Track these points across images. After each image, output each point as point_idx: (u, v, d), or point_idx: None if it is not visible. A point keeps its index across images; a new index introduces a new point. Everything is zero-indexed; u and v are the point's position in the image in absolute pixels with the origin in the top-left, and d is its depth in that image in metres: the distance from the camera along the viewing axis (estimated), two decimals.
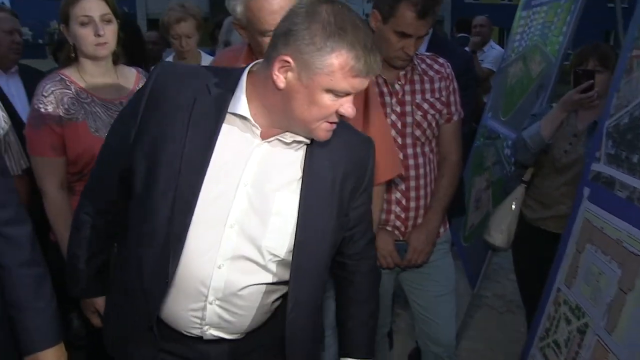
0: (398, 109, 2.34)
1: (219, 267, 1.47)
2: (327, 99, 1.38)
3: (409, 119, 2.34)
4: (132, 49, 2.68)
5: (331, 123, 1.43)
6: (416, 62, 2.35)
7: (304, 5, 1.38)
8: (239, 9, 1.82)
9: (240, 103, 1.45)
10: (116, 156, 1.54)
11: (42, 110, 2.12)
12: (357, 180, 1.60)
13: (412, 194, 2.39)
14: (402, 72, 2.34)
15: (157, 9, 20.69)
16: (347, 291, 1.75)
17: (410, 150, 2.36)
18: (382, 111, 2.17)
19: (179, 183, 1.42)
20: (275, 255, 1.50)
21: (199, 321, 1.54)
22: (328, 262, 1.61)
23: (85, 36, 2.15)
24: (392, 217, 2.40)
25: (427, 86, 2.36)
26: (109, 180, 1.59)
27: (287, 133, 1.48)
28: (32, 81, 2.31)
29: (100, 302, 1.79)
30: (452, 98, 2.41)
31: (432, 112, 2.36)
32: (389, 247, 2.38)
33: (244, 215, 1.47)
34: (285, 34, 1.37)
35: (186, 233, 1.43)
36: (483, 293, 4.33)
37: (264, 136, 1.48)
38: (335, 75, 1.34)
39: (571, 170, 2.64)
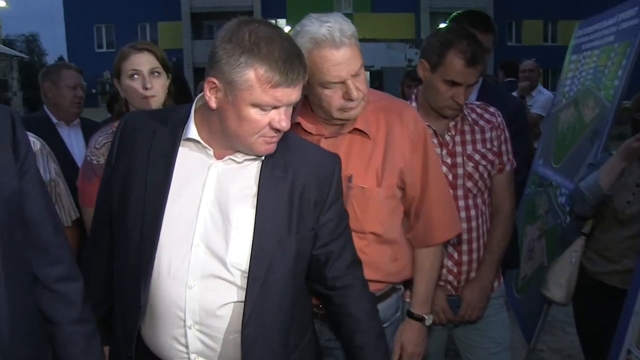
0: (449, 161, 2.28)
1: (190, 288, 1.53)
2: (254, 113, 1.47)
3: (460, 171, 2.28)
4: (179, 102, 2.73)
5: (269, 137, 1.51)
6: (466, 112, 2.30)
7: (225, 28, 1.49)
8: None
9: (190, 128, 1.57)
10: (102, 201, 1.68)
11: (94, 162, 2.17)
12: (319, 194, 1.64)
13: (465, 247, 2.31)
14: (452, 123, 2.29)
15: (203, 58, 21.40)
16: (345, 324, 1.74)
17: (461, 203, 2.28)
18: (441, 169, 2.12)
19: (145, 208, 1.54)
20: (241, 270, 1.54)
21: (184, 349, 1.57)
22: (295, 280, 1.63)
23: (134, 89, 2.21)
24: (444, 271, 2.30)
25: (478, 136, 2.30)
26: (104, 223, 1.68)
27: (237, 153, 1.58)
28: (91, 133, 2.38)
29: (105, 351, 1.72)
30: (503, 148, 2.34)
31: (483, 162, 2.29)
32: (441, 302, 2.29)
33: (208, 233, 1.54)
34: (210, 57, 1.49)
35: (154, 255, 1.53)
36: (539, 347, 4.13)
37: (218, 157, 1.58)
38: (254, 89, 1.43)
39: (635, 223, 2.51)
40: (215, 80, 1.46)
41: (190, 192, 1.55)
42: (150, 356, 1.62)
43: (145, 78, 2.20)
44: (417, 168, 1.97)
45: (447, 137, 2.28)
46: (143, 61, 2.22)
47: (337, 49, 1.77)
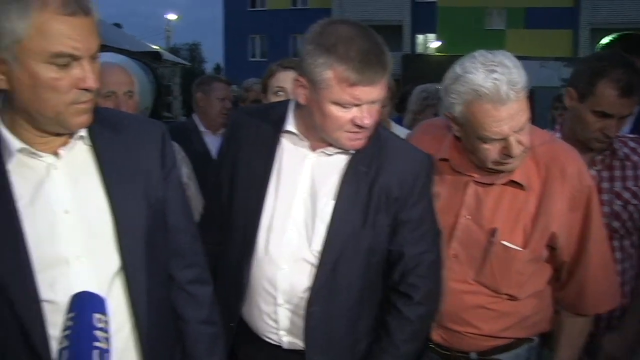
0: None
1: (282, 269, 1.65)
2: (335, 110, 1.52)
3: (606, 209, 2.08)
4: None
5: (353, 132, 1.55)
6: (617, 146, 2.11)
7: (311, 29, 1.55)
8: (458, 108, 1.69)
9: (289, 121, 1.68)
10: (214, 189, 1.83)
11: None
12: (401, 191, 1.66)
13: None
14: (599, 156, 2.11)
15: None
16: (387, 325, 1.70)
17: None
18: (604, 232, 1.88)
19: (249, 195, 1.68)
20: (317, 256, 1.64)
21: (274, 325, 1.69)
22: (367, 272, 1.67)
23: None
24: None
25: (630, 172, 2.11)
26: (215, 210, 1.81)
27: (330, 146, 1.65)
28: None
29: None
30: None
31: (634, 202, 2.10)
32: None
33: (300, 220, 1.65)
34: (298, 57, 1.61)
35: (255, 238, 1.66)
36: None
37: (314, 148, 1.67)
38: (333, 88, 1.49)
39: None
40: (301, 79, 1.57)
41: (288, 181, 1.67)
42: (246, 328, 1.75)
43: (289, 95, 2.27)
44: (574, 229, 1.79)
45: (593, 172, 2.09)
46: (288, 79, 2.29)
47: (503, 104, 1.61)
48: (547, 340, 1.98)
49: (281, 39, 31.81)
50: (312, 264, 1.65)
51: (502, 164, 1.72)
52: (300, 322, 1.66)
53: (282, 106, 1.74)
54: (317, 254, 1.64)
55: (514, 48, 20.04)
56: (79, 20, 1.22)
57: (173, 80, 16.52)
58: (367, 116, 1.53)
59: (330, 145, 1.64)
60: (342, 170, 1.65)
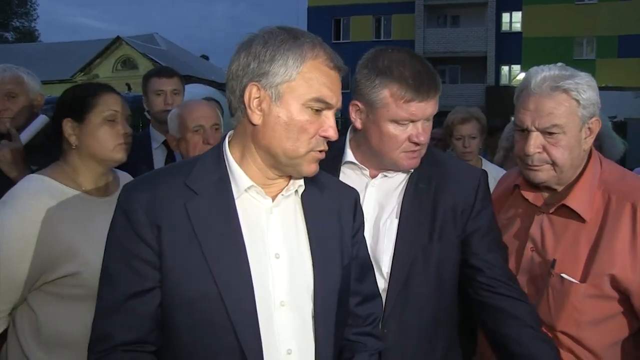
0: None
1: None
2: (392, 128, 1.62)
3: None
4: None
5: (410, 151, 1.64)
6: None
7: (363, 57, 1.69)
8: (515, 100, 1.81)
9: (347, 153, 1.79)
10: None
11: None
12: (465, 203, 1.72)
13: None
14: None
15: None
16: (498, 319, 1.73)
17: None
18: None
19: None
20: (385, 277, 1.70)
21: None
22: (440, 287, 1.70)
23: None
24: None
25: None
26: None
27: (389, 170, 1.73)
28: None
29: None
30: None
31: None
32: None
33: (371, 246, 1.68)
34: (352, 84, 1.67)
35: None
36: None
37: (372, 175, 1.76)
38: (390, 106, 1.60)
39: None
40: (358, 103, 1.67)
41: None
42: None
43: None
44: (624, 246, 1.65)
45: None
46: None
47: (532, 94, 1.72)
48: None
49: None
50: (383, 283, 1.68)
51: (528, 167, 1.75)
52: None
53: (340, 140, 1.77)
54: (386, 275, 1.68)
55: (605, 79, 19.24)
56: (337, 75, 1.38)
57: None
58: (422, 133, 1.63)
59: (387, 169, 1.72)
60: (402, 189, 1.73)
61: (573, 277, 1.68)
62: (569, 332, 1.70)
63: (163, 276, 1.34)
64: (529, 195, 1.83)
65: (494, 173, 2.84)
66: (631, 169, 1.97)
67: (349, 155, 1.78)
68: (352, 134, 1.79)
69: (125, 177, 2.14)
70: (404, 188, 1.73)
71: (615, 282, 1.65)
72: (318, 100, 1.33)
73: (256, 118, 1.34)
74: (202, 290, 1.32)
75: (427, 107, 1.62)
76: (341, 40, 33.65)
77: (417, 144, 1.63)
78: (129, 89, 14.37)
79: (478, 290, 1.73)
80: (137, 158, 3.10)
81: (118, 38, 28.97)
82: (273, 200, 1.42)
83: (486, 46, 30.71)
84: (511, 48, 30.01)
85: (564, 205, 1.74)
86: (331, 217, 1.49)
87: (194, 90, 4.59)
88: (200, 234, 1.33)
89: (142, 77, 3.39)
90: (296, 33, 1.34)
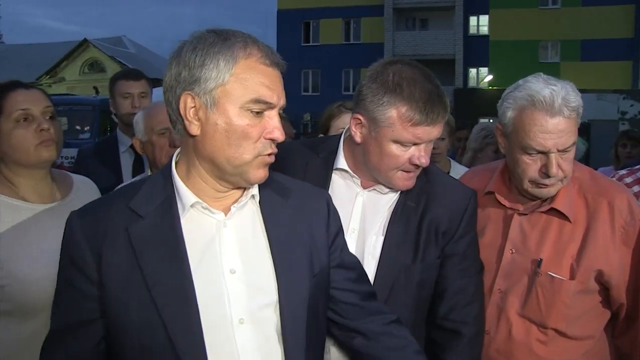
0: None
1: None
2: (394, 149, 1.55)
3: None
4: None
5: (407, 172, 1.59)
6: None
7: (371, 68, 1.59)
8: (509, 114, 1.72)
9: (340, 159, 1.71)
10: None
11: None
12: (450, 225, 1.68)
13: None
14: None
15: None
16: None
17: None
18: None
19: None
20: None
21: (327, 357, 1.62)
22: (418, 309, 1.68)
23: None
24: None
25: None
26: None
27: (382, 185, 1.65)
28: None
29: None
30: None
31: None
32: None
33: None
34: (357, 94, 1.60)
35: None
36: None
37: (365, 186, 1.70)
38: (396, 127, 1.52)
39: None
40: (361, 117, 1.59)
41: (341, 216, 1.60)
42: None
43: None
44: (628, 266, 1.72)
45: None
46: (348, 120, 2.37)
47: (553, 116, 1.63)
48: None
49: (334, 73, 32.22)
50: None
51: (539, 186, 1.72)
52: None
53: (331, 142, 1.76)
54: None
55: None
56: (275, 72, 1.29)
57: None
58: (424, 155, 1.57)
59: (380, 183, 1.66)
60: (391, 206, 1.68)
61: (561, 275, 1.72)
62: (559, 328, 1.75)
63: (105, 306, 1.29)
64: (505, 201, 1.84)
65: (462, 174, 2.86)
66: (595, 169, 2.02)
67: (342, 162, 1.71)
68: (347, 140, 1.72)
69: (81, 181, 2.03)
70: (394, 204, 1.68)
71: (600, 276, 1.72)
72: (257, 101, 1.25)
73: (194, 129, 1.27)
74: (144, 318, 1.25)
75: (433, 131, 1.55)
76: (311, 43, 33.67)
77: (417, 166, 1.58)
78: (97, 92, 14.15)
79: (434, 315, 1.72)
80: (103, 162, 3.06)
81: (85, 40, 28.49)
82: (226, 213, 1.35)
83: (454, 49, 31.08)
84: (478, 51, 30.41)
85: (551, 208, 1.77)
86: (297, 224, 1.41)
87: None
88: (141, 259, 1.27)
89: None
90: (226, 34, 1.27)
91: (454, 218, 1.69)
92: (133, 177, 2.85)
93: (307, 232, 1.42)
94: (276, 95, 1.28)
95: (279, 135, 1.28)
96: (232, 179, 1.31)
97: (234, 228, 1.35)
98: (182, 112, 1.26)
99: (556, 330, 1.75)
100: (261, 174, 1.31)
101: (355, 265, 1.55)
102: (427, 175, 1.71)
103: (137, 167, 2.99)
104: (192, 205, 1.32)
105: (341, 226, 1.54)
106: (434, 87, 1.55)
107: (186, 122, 1.27)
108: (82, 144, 6.83)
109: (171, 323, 1.25)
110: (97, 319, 1.31)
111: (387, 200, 1.69)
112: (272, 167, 1.43)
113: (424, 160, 1.57)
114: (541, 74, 1.73)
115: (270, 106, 1.27)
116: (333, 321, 1.53)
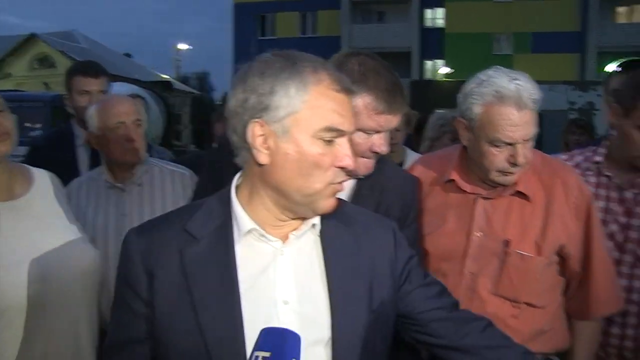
0: (623, 220, 2.05)
1: None
2: (356, 136, 1.57)
3: (633, 234, 2.04)
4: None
5: (367, 158, 1.65)
6: None
7: (333, 60, 1.61)
8: (476, 110, 1.76)
9: None
10: None
11: None
12: (402, 213, 1.76)
13: (632, 320, 2.05)
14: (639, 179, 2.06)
15: None
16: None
17: (626, 270, 2.04)
18: (604, 240, 1.96)
19: None
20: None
21: None
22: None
23: None
24: (608, 347, 2.09)
25: None
26: None
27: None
28: None
29: None
30: None
31: None
32: None
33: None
34: None
35: None
36: None
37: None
38: (361, 115, 1.56)
39: None
40: None
41: None
42: None
43: None
44: (581, 237, 1.85)
45: (629, 194, 2.06)
46: None
47: (519, 109, 1.70)
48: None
49: None
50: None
51: (505, 174, 1.79)
52: None
53: None
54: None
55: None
56: (346, 98, 1.25)
57: (183, 110, 16.63)
58: (383, 143, 1.64)
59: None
60: (348, 195, 1.72)
61: (529, 252, 1.82)
62: (531, 301, 1.84)
63: (153, 326, 1.27)
64: (468, 186, 1.90)
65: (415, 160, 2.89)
66: None
67: None
68: None
69: (39, 175, 1.96)
70: (352, 193, 1.74)
71: (561, 249, 1.85)
72: (329, 129, 1.21)
73: (263, 157, 1.22)
74: (189, 343, 1.22)
75: (394, 119, 1.64)
76: (267, 37, 33.50)
77: (377, 153, 1.65)
78: (47, 88, 13.77)
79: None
80: (58, 155, 2.93)
81: (33, 35, 27.63)
82: (284, 241, 1.29)
83: (410, 42, 31.38)
84: (434, 43, 30.81)
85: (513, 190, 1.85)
86: (359, 256, 1.34)
87: (121, 89, 4.42)
88: (192, 282, 1.24)
89: (60, 76, 3.18)
90: (294, 58, 1.23)
91: (406, 205, 1.78)
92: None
93: (369, 264, 1.35)
94: (347, 122, 1.24)
95: (350, 162, 1.24)
96: (298, 209, 1.27)
97: (291, 257, 1.29)
98: (249, 140, 1.22)
99: (527, 304, 1.84)
100: (331, 203, 1.27)
101: (432, 281, 1.47)
102: (379, 164, 1.74)
103: (95, 161, 2.82)
104: (248, 231, 1.28)
105: (413, 253, 1.46)
106: (395, 78, 1.64)
107: (254, 151, 1.22)
108: (34, 141, 6.61)
109: (216, 350, 1.21)
110: (145, 340, 1.29)
111: (345, 188, 1.69)
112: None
113: (384, 148, 1.64)
114: (500, 67, 1.79)
115: (341, 134, 1.23)
116: (426, 343, 1.44)
